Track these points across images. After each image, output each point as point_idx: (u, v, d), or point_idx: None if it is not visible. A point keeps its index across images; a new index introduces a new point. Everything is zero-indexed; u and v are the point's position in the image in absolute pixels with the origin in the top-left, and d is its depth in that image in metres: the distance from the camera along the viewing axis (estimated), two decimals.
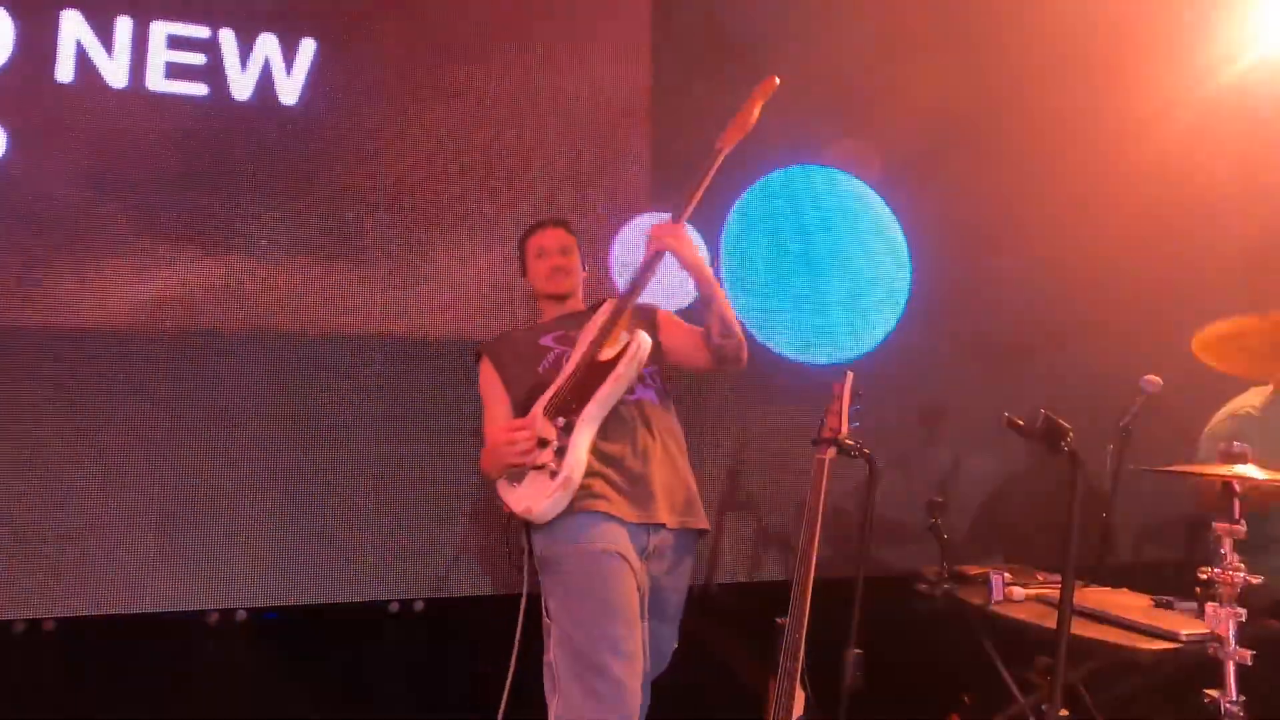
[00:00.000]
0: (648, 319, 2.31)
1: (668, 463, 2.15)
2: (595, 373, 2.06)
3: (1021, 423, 1.88)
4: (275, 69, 2.83)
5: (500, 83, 3.04)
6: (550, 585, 2.03)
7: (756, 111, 2.17)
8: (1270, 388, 2.76)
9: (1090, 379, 3.21)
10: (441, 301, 2.92)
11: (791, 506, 3.17)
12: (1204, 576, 2.00)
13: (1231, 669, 1.93)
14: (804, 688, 2.14)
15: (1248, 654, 1.92)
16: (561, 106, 3.10)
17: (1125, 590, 2.64)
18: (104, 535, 2.58)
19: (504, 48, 3.05)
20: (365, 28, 2.93)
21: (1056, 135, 3.58)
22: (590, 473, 2.02)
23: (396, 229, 2.90)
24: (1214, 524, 2.01)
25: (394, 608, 2.81)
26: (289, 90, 2.84)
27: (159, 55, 2.74)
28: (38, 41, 2.65)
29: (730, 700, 2.66)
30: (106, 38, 2.70)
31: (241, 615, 2.68)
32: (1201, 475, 2.20)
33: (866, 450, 2.26)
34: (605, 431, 2.07)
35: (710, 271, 2.18)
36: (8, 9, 2.64)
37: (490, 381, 2.28)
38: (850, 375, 2.41)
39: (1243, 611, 1.94)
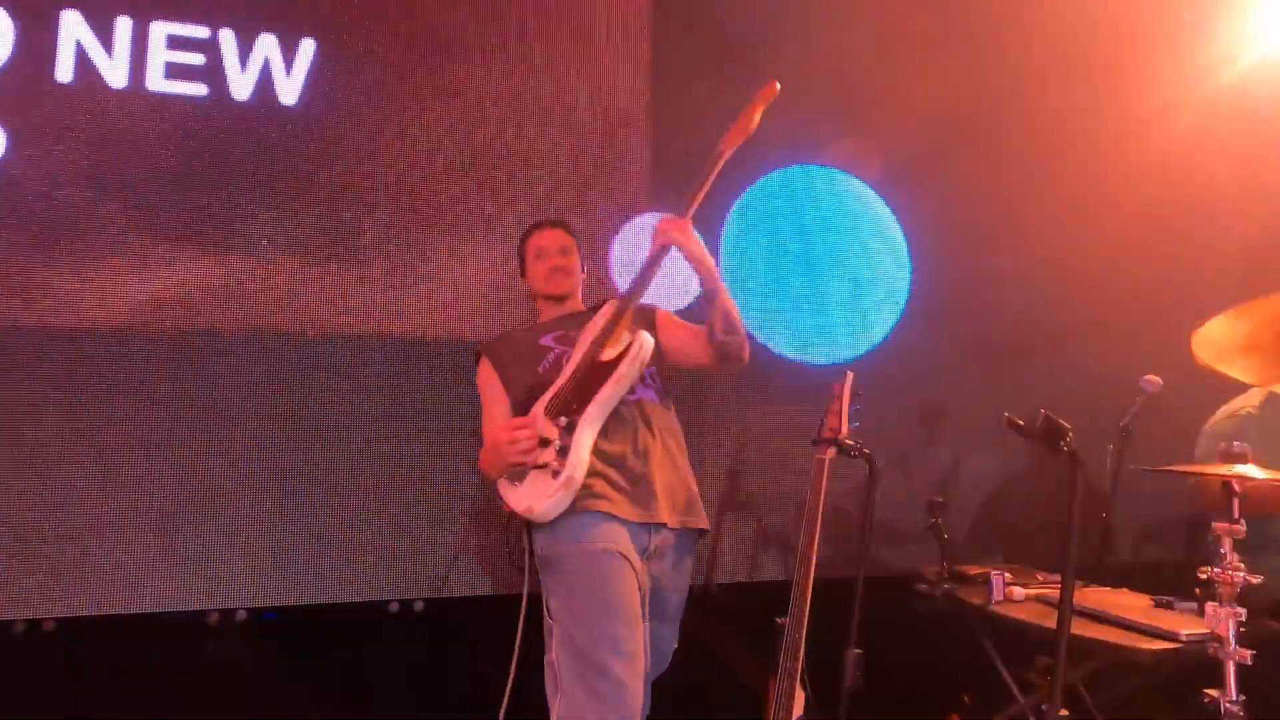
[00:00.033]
0: (647, 319, 2.31)
1: (668, 462, 2.15)
2: (597, 373, 2.06)
3: (1021, 423, 1.88)
4: (275, 69, 2.83)
5: (500, 83, 3.04)
6: (552, 585, 2.03)
7: (758, 116, 2.18)
8: (1269, 388, 2.75)
9: (1090, 379, 3.21)
10: (440, 301, 2.92)
11: (791, 506, 3.17)
12: (1204, 576, 2.00)
13: (1231, 669, 1.93)
14: (804, 688, 2.14)
15: (1248, 654, 1.92)
16: (561, 107, 3.10)
17: (1125, 590, 2.64)
18: (104, 535, 2.58)
19: (504, 48, 3.05)
20: (365, 28, 2.93)
21: (1057, 135, 3.58)
22: (591, 473, 2.02)
23: (395, 229, 2.90)
24: (1214, 524, 2.01)
25: (394, 608, 2.81)
26: (289, 90, 2.84)
27: (159, 55, 2.74)
28: (38, 41, 2.65)
29: (730, 700, 2.66)
30: (106, 38, 2.70)
31: (241, 615, 2.68)
32: (1201, 475, 2.20)
33: (866, 450, 2.26)
34: (606, 431, 2.07)
35: (715, 267, 2.18)
36: (8, 9, 2.64)
37: (489, 381, 2.28)
38: (850, 375, 2.41)
39: (1243, 611, 1.94)
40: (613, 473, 2.05)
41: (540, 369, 2.20)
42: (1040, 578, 2.76)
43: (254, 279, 2.76)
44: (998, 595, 2.53)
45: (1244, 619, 1.94)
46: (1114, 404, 2.84)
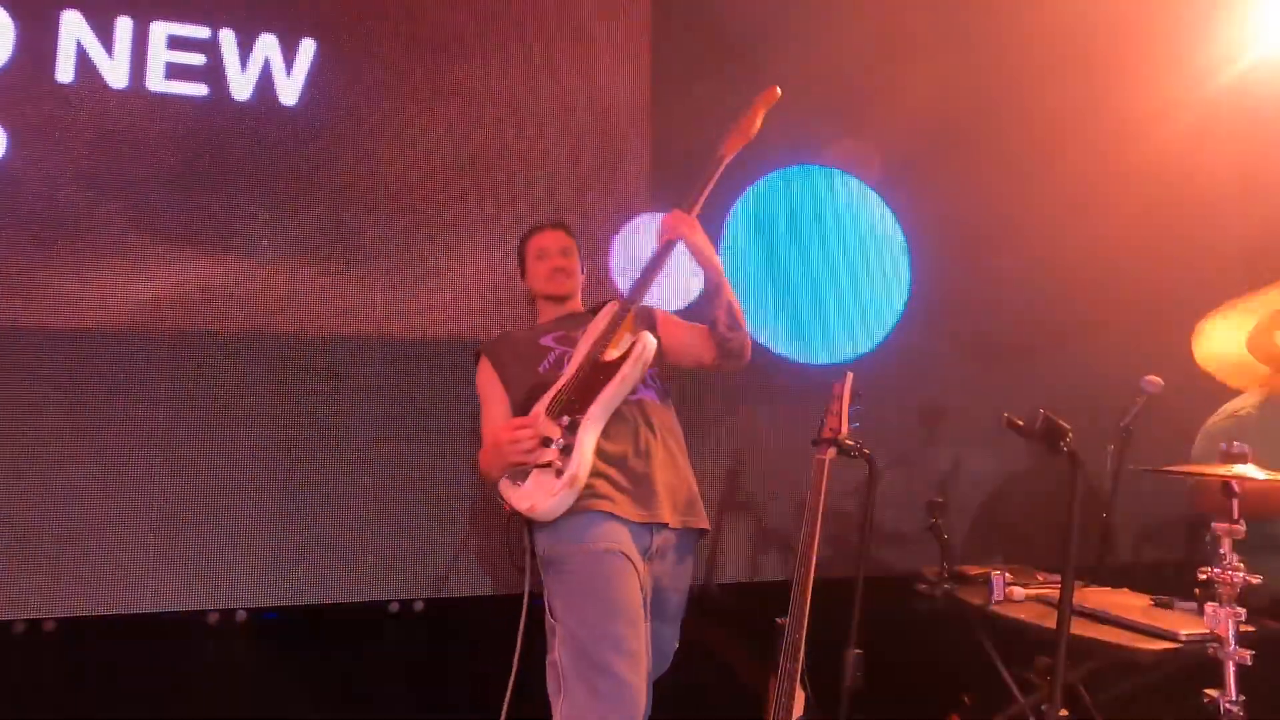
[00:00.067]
0: (648, 321, 2.31)
1: (669, 462, 2.15)
2: (599, 373, 2.06)
3: (1021, 423, 1.88)
4: (275, 69, 2.83)
5: (500, 83, 3.04)
6: (554, 585, 2.03)
7: (759, 120, 2.19)
8: (1269, 389, 2.75)
9: (1090, 379, 3.21)
10: (441, 302, 2.92)
11: (791, 506, 3.17)
12: (1204, 577, 2.00)
13: (1231, 669, 1.93)
14: (804, 688, 2.14)
15: (1247, 654, 1.93)
16: (561, 107, 3.10)
17: (1125, 590, 2.64)
18: (104, 535, 2.58)
19: (504, 48, 3.05)
20: (365, 28, 2.93)
21: (1057, 135, 3.58)
22: (593, 473, 2.01)
23: (396, 229, 2.90)
24: (1213, 524, 2.01)
25: (394, 608, 2.81)
26: (289, 90, 2.84)
27: (159, 55, 2.74)
28: (38, 42, 2.65)
29: (730, 700, 2.66)
30: (106, 38, 2.70)
31: (241, 615, 2.68)
32: (1201, 475, 2.20)
33: (866, 450, 2.26)
34: (607, 431, 2.07)
35: (720, 262, 2.19)
36: (8, 9, 2.64)
37: (489, 381, 2.28)
38: (850, 375, 2.41)
39: (1242, 611, 1.94)
40: (614, 473, 2.05)
41: (541, 369, 2.20)
42: (1040, 578, 2.76)
43: (254, 279, 2.76)
44: (998, 595, 2.53)
45: (1244, 619, 1.94)
46: (1114, 404, 2.84)
